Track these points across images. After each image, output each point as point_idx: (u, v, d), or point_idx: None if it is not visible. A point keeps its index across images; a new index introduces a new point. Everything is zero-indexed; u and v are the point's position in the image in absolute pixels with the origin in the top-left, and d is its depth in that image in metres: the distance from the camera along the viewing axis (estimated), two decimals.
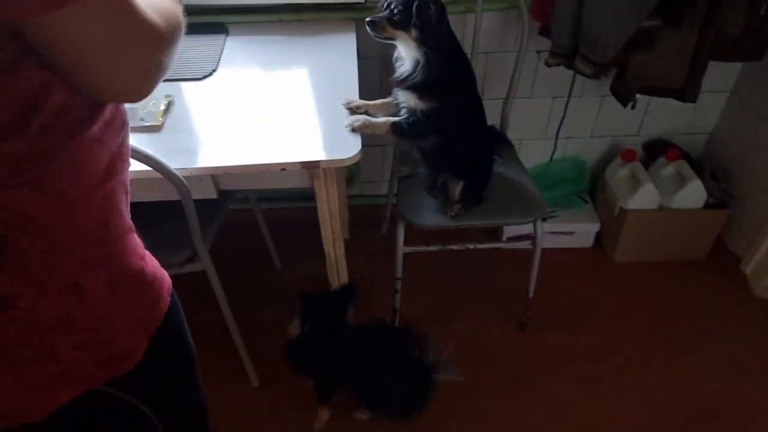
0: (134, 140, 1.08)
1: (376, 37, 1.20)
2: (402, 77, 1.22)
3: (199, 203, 1.15)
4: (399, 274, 1.54)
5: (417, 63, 1.19)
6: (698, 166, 1.84)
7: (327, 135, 1.14)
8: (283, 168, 1.06)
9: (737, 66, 1.78)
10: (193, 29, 1.62)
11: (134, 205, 1.12)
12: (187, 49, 1.45)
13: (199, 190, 1.14)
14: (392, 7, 1.16)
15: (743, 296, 1.81)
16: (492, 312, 1.79)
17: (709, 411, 1.52)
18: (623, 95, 1.60)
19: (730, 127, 1.88)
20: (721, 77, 1.80)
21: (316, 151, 1.08)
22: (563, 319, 1.76)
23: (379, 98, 1.30)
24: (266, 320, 1.78)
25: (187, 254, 1.27)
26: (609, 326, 1.74)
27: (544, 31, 1.60)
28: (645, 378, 1.60)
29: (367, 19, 1.18)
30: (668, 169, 1.83)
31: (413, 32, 1.15)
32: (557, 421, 1.50)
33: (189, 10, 1.61)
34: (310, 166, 1.07)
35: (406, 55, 1.21)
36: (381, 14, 1.18)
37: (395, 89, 1.26)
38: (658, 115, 1.91)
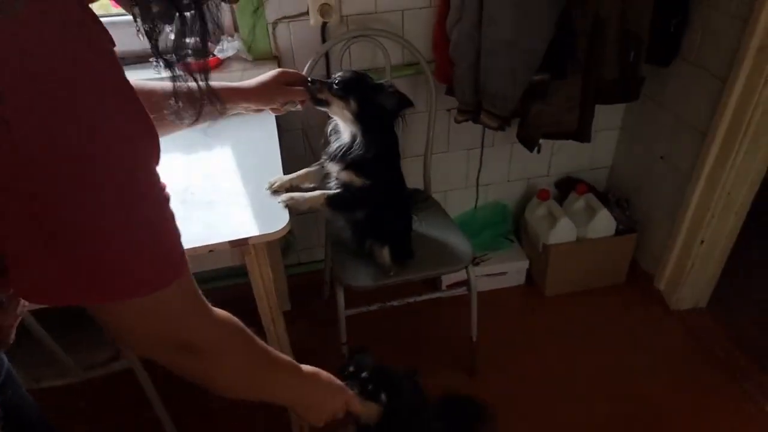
0: None
1: (310, 97, 1.18)
2: (338, 152, 1.25)
3: None
4: (344, 338, 1.54)
5: (354, 138, 1.23)
6: (604, 197, 2.01)
7: (254, 211, 1.16)
8: (211, 250, 1.06)
9: (622, 105, 2.00)
10: None
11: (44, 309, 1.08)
12: None
13: None
14: (335, 78, 1.21)
15: (660, 310, 1.95)
16: (439, 361, 1.82)
17: (653, 420, 1.60)
18: (528, 141, 1.74)
19: (624, 160, 2.08)
20: (610, 116, 2.02)
21: (244, 228, 1.09)
22: (507, 359, 1.81)
23: (305, 167, 1.35)
24: (210, 411, 1.69)
25: (110, 352, 1.21)
26: (550, 359, 1.81)
27: (450, 91, 1.74)
28: (592, 402, 1.66)
29: (309, 79, 1.18)
30: (579, 203, 1.99)
31: (352, 103, 1.20)
32: None
33: None
34: (240, 244, 1.08)
35: (343, 129, 1.26)
36: (323, 81, 1.21)
37: (329, 162, 1.28)
38: (563, 155, 2.09)
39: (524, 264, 2.06)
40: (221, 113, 1.08)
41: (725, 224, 1.72)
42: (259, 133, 1.45)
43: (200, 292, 0.57)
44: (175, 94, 0.62)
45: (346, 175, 1.26)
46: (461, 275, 1.55)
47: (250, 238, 1.07)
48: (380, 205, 1.35)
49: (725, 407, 1.63)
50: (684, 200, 1.76)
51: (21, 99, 0.40)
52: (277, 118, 1.53)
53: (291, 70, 1.15)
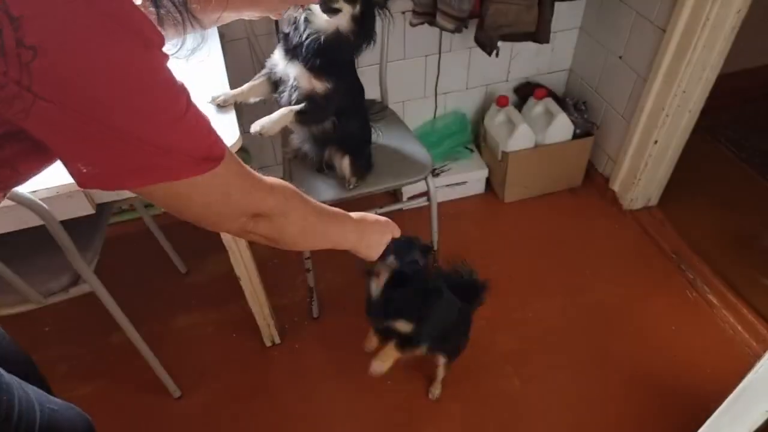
0: None
1: (333, 16, 1.10)
2: (303, 48, 1.15)
3: (75, 221, 1.08)
4: (307, 253, 1.55)
5: (339, 32, 1.13)
6: (563, 102, 2.00)
7: None
8: None
9: (582, 4, 1.94)
10: None
11: (3, 236, 1.04)
12: None
13: (73, 208, 1.06)
14: None
15: (615, 211, 2.03)
16: None
17: (603, 312, 1.72)
18: (486, 44, 1.69)
19: (583, 62, 2.06)
20: (569, 17, 1.96)
21: None
22: (469, 264, 1.87)
23: (251, 78, 1.27)
24: (180, 327, 1.72)
25: (69, 278, 1.19)
26: (509, 261, 1.88)
27: None
28: (550, 298, 1.76)
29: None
30: (538, 108, 1.98)
31: (358, 7, 1.12)
32: (480, 350, 1.61)
33: None
34: None
35: (324, 26, 1.13)
36: None
37: (288, 62, 1.19)
38: (522, 60, 2.05)
39: (484, 173, 2.08)
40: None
41: (679, 123, 1.75)
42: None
43: (250, 168, 0.65)
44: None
45: (306, 81, 1.19)
46: (423, 187, 1.55)
47: None
48: (343, 111, 1.31)
49: (672, 295, 1.75)
50: (640, 100, 1.77)
51: (42, 24, 0.44)
52: (219, 27, 1.42)
53: None
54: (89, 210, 1.07)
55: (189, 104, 0.56)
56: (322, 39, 1.14)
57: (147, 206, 1.72)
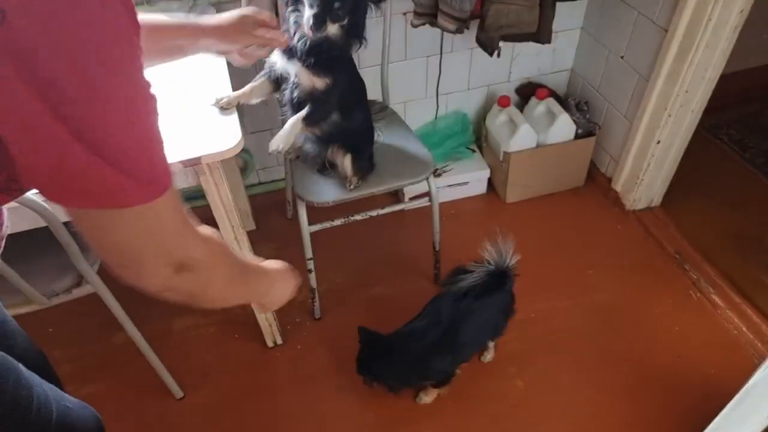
0: None
1: (319, 35, 1.13)
2: (300, 48, 1.16)
3: None
4: (309, 254, 1.55)
5: (328, 39, 1.15)
6: (565, 102, 2.00)
7: (204, 129, 1.10)
8: None
9: (583, 4, 1.94)
10: None
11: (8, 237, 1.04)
12: None
13: None
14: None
15: (618, 211, 2.03)
16: (406, 271, 1.86)
17: (607, 312, 1.71)
18: (487, 45, 1.68)
19: (585, 62, 2.05)
20: (571, 17, 1.96)
21: (195, 147, 1.04)
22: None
23: (253, 77, 1.27)
24: (182, 328, 1.72)
25: (73, 279, 1.19)
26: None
27: None
28: (553, 298, 1.76)
29: (311, 24, 1.09)
30: (539, 108, 1.98)
31: (347, 19, 1.14)
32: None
33: None
34: (193, 164, 1.03)
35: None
36: (317, 9, 1.09)
37: (287, 61, 1.20)
38: (523, 60, 2.04)
39: (485, 173, 2.07)
40: (181, 51, 1.01)
41: (682, 123, 1.74)
42: None
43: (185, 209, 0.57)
44: None
45: (307, 78, 1.20)
46: (423, 187, 1.55)
47: (203, 156, 1.02)
48: (346, 105, 1.31)
49: (676, 295, 1.75)
50: (643, 100, 1.76)
51: None
52: None
53: (257, 15, 1.06)
54: None
55: (154, 112, 0.50)
56: (312, 42, 1.15)
57: None
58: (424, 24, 1.65)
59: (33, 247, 1.18)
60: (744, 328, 1.63)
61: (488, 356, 1.59)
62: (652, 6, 1.66)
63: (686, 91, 1.65)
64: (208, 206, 1.19)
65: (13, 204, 0.93)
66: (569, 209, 2.06)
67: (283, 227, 2.02)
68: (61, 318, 1.70)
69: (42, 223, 1.02)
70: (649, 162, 1.84)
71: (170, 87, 1.22)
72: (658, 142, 1.78)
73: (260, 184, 2.10)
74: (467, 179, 2.06)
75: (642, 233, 1.95)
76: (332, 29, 1.14)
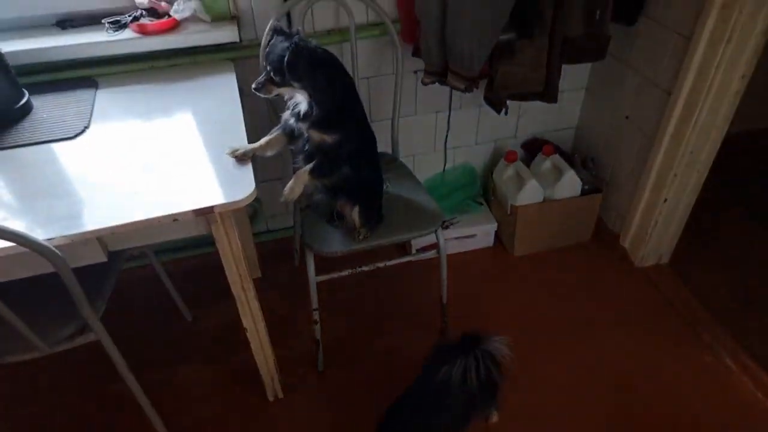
0: None
1: (266, 97, 1.23)
2: (301, 115, 1.24)
3: (88, 267, 1.08)
4: (315, 304, 1.53)
5: (311, 103, 1.22)
6: (570, 158, 2.03)
7: (218, 178, 1.12)
8: (175, 219, 1.03)
9: (587, 66, 2.00)
10: (59, 86, 1.54)
11: (13, 282, 1.04)
12: (54, 108, 1.36)
13: (86, 256, 1.07)
14: (268, 68, 1.20)
15: (625, 267, 2.01)
16: (411, 324, 1.84)
17: (614, 373, 1.66)
18: (495, 103, 1.73)
19: (590, 120, 2.10)
20: (576, 77, 2.02)
21: (208, 197, 1.06)
22: (478, 320, 1.85)
23: (269, 129, 1.31)
24: (182, 377, 1.69)
25: (76, 326, 1.18)
26: (519, 317, 1.85)
27: (416, 52, 1.70)
28: (559, 356, 1.72)
29: (253, 86, 1.22)
30: (546, 164, 2.01)
31: (295, 84, 1.19)
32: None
33: (51, 67, 1.53)
34: (205, 213, 1.04)
35: (299, 97, 1.24)
36: (262, 78, 1.21)
37: (297, 122, 1.27)
38: (530, 117, 2.09)
39: (493, 226, 2.08)
40: None
41: (688, 182, 1.76)
42: (220, 97, 1.41)
43: None
44: None
45: (316, 135, 1.25)
46: (431, 239, 1.55)
47: (216, 206, 1.04)
48: (355, 159, 1.34)
49: (686, 357, 1.71)
50: (648, 159, 1.79)
51: None
52: (238, 80, 1.48)
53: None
54: (102, 258, 1.08)
55: None
56: (306, 106, 1.22)
57: (157, 253, 1.72)
58: (434, 82, 1.70)
59: (36, 291, 1.18)
60: (759, 395, 1.58)
61: (493, 418, 1.54)
62: (655, 70, 1.71)
63: (691, 152, 1.68)
64: (214, 253, 1.19)
65: (22, 249, 0.94)
66: (576, 264, 2.05)
67: (288, 275, 2.02)
68: (57, 363, 1.67)
69: (49, 269, 1.03)
70: (656, 219, 1.84)
71: (186, 134, 1.25)
72: (665, 200, 1.79)
73: (268, 231, 2.11)
74: (475, 232, 2.07)
75: (651, 291, 1.93)
76: (300, 94, 1.21)
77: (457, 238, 2.04)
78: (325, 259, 1.45)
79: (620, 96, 1.90)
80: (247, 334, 1.36)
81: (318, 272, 1.48)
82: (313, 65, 1.18)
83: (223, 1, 1.54)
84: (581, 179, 1.95)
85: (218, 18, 1.55)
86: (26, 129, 1.29)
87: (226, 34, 1.53)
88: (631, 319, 1.84)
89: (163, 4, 1.52)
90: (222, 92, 1.43)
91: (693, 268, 1.97)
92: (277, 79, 1.19)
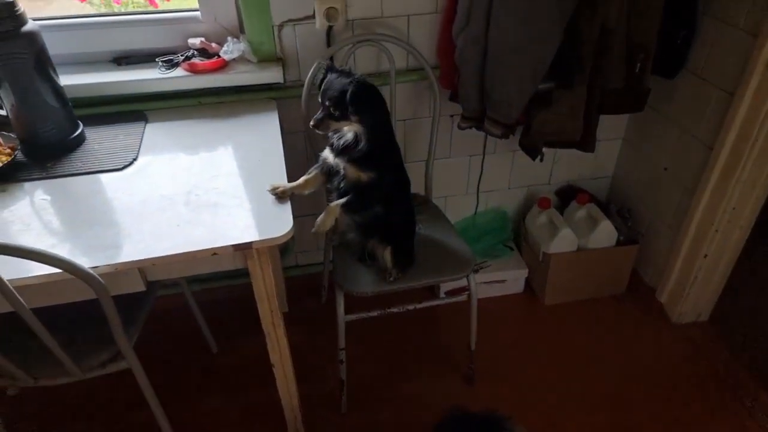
0: (42, 240, 1.04)
1: (322, 133, 1.27)
2: (342, 147, 1.27)
3: (124, 295, 1.11)
4: (342, 344, 1.52)
5: (357, 136, 1.24)
6: (606, 207, 2.00)
7: (257, 214, 1.14)
8: (215, 253, 1.05)
9: (626, 115, 1.99)
10: (109, 119, 1.61)
11: (50, 307, 1.07)
12: (105, 140, 1.43)
13: (125, 285, 1.10)
14: (327, 103, 1.23)
15: (662, 323, 1.94)
16: (437, 369, 1.80)
17: (644, 430, 1.59)
18: (531, 149, 1.73)
19: (627, 170, 2.08)
20: (613, 126, 2.01)
21: (247, 232, 1.08)
22: (506, 368, 1.80)
23: (308, 168, 1.35)
24: (205, 411, 1.68)
25: (109, 353, 1.20)
26: (547, 371, 1.80)
27: (454, 98, 1.73)
28: (589, 416, 1.65)
29: (312, 123, 1.26)
30: (580, 213, 1.98)
31: (353, 118, 1.22)
32: None
33: (103, 101, 1.61)
34: (243, 248, 1.06)
35: (348, 132, 1.26)
36: (320, 114, 1.25)
37: (335, 157, 1.30)
38: (564, 164, 2.09)
39: (523, 272, 2.05)
40: None
41: (729, 238, 1.71)
42: (263, 134, 1.45)
43: None
44: None
45: (353, 171, 1.27)
46: (460, 282, 1.54)
47: (254, 242, 1.06)
48: (389, 201, 1.36)
49: (727, 423, 1.62)
50: (688, 213, 1.75)
51: None
52: (280, 119, 1.53)
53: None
54: (141, 287, 1.11)
55: None
56: (351, 139, 1.25)
57: (190, 283, 1.75)
58: (470, 127, 1.72)
59: (73, 317, 1.21)
60: None
61: None
62: (696, 124, 1.69)
63: (734, 208, 1.64)
64: (243, 285, 1.20)
65: (67, 276, 0.97)
66: (610, 317, 1.99)
67: (315, 312, 2.02)
68: (82, 389, 1.69)
69: (91, 296, 1.05)
70: (695, 275, 1.79)
71: (228, 170, 1.29)
72: (705, 255, 1.74)
73: (297, 266, 2.13)
74: (505, 277, 2.04)
75: (689, 349, 1.85)
76: (352, 127, 1.24)
77: (486, 282, 2.02)
78: (353, 298, 1.45)
79: (659, 147, 1.88)
80: (274, 370, 1.35)
81: (346, 311, 1.48)
82: (375, 100, 1.22)
83: (270, 45, 1.61)
84: (617, 229, 1.92)
85: (264, 59, 1.62)
86: (79, 159, 1.35)
87: (271, 74, 1.58)
88: (667, 380, 1.76)
89: (213, 45, 1.59)
90: (264, 130, 1.47)
91: (734, 328, 1.88)
92: (336, 114, 1.22)
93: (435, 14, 1.66)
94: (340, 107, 1.21)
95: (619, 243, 1.94)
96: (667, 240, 1.88)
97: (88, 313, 1.13)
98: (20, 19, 1.23)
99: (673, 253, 1.84)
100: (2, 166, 1.25)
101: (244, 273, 1.17)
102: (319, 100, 1.26)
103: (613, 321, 1.97)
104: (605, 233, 1.90)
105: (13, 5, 1.21)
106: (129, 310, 1.23)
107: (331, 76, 1.25)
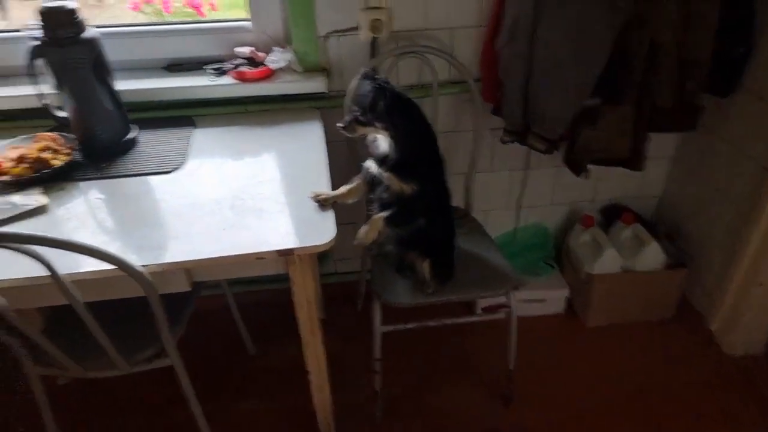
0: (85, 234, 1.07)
1: (350, 136, 1.28)
2: (381, 157, 1.28)
3: (169, 294, 1.13)
4: (378, 354, 1.51)
5: (392, 145, 1.25)
6: (653, 228, 1.94)
7: (300, 221, 1.15)
8: (259, 257, 1.06)
9: (675, 134, 1.93)
10: (160, 123, 1.67)
11: (99, 302, 1.10)
12: (156, 144, 1.47)
13: (171, 284, 1.12)
14: (354, 107, 1.26)
15: (713, 354, 1.85)
16: (473, 387, 1.76)
17: None
18: (575, 166, 1.70)
19: (677, 190, 2.00)
20: (662, 144, 1.95)
21: (290, 238, 1.09)
22: (544, 390, 1.75)
23: (350, 177, 1.35)
24: (239, 412, 1.69)
25: (154, 350, 1.23)
26: (589, 396, 1.73)
27: (496, 111, 1.71)
28: None
29: (339, 125, 1.28)
30: (626, 233, 1.92)
31: (378, 124, 1.23)
32: None
33: (154, 106, 1.66)
34: (287, 254, 1.07)
35: (381, 139, 1.28)
36: (349, 117, 1.27)
37: (377, 167, 1.30)
38: (610, 181, 2.03)
39: (564, 292, 1.99)
40: None
41: None
42: (306, 143, 1.47)
43: None
44: None
45: (395, 183, 1.27)
46: (498, 298, 1.50)
47: (297, 248, 1.07)
48: (430, 212, 1.35)
49: None
50: (743, 238, 1.67)
51: None
52: (324, 129, 1.54)
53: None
54: (186, 287, 1.13)
55: None
56: (386, 147, 1.25)
57: (231, 284, 1.77)
58: (513, 142, 1.70)
59: (117, 313, 1.24)
60: None
61: None
62: (752, 144, 1.62)
63: None
64: (285, 289, 1.21)
65: (118, 273, 1.00)
66: (655, 342, 1.91)
67: (351, 320, 2.01)
68: (132, 384, 1.73)
69: (139, 293, 1.08)
70: (750, 304, 1.70)
71: (273, 176, 1.31)
72: (761, 284, 1.65)
73: (335, 274, 2.13)
74: (544, 296, 1.99)
75: (742, 384, 1.74)
76: (383, 135, 1.25)
77: (525, 300, 1.97)
78: (390, 308, 1.44)
79: (711, 167, 1.81)
80: (310, 378, 1.35)
81: (383, 321, 1.47)
82: (394, 107, 1.22)
83: (315, 55, 1.64)
84: (665, 251, 1.85)
85: (309, 69, 1.65)
86: (130, 161, 1.40)
87: (316, 84, 1.61)
88: (716, 414, 1.66)
89: (260, 54, 1.63)
90: (308, 138, 1.49)
91: None
92: (362, 119, 1.24)
93: (479, 28, 1.65)
94: (365, 112, 1.23)
95: (666, 266, 1.86)
96: (719, 265, 1.80)
97: (134, 309, 1.16)
98: (80, 26, 1.29)
99: (726, 279, 1.75)
100: (62, 166, 1.31)
101: (283, 278, 1.18)
102: (349, 103, 1.28)
103: (659, 347, 1.89)
104: (652, 255, 1.84)
105: (73, 13, 1.27)
106: (173, 309, 1.26)
107: (364, 83, 1.26)
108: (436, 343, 1.91)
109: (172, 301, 1.18)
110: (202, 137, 1.51)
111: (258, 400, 1.73)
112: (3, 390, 1.70)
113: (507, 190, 2.02)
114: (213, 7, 1.92)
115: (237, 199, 1.22)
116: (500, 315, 1.57)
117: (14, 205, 1.19)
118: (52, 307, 1.29)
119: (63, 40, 1.27)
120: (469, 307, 2.00)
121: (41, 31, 1.26)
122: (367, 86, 1.24)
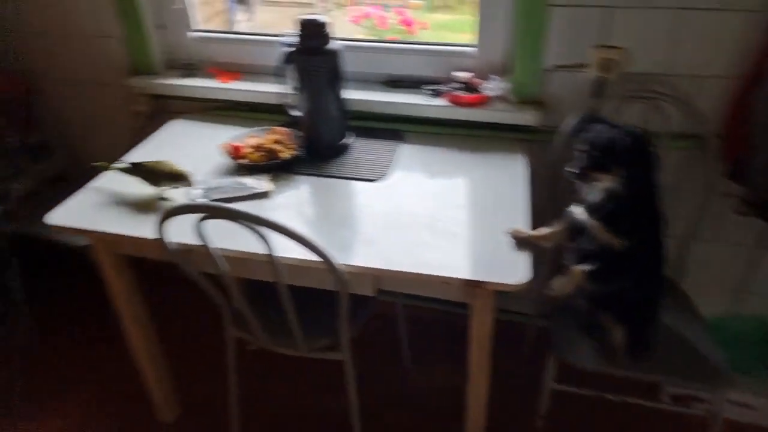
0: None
1: (581, 182, 1.18)
2: (593, 204, 1.17)
3: (353, 294, 1.18)
4: (544, 411, 1.39)
5: (610, 193, 1.13)
6: None
7: (490, 253, 1.11)
8: (445, 282, 1.05)
9: None
10: (372, 133, 1.77)
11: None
12: (366, 152, 1.56)
13: (358, 286, 1.17)
14: (594, 152, 1.14)
15: None
16: None
17: None
18: None
19: None
20: None
21: (480, 270, 1.05)
22: None
23: (546, 218, 1.26)
24: (387, 422, 1.70)
25: (330, 341, 1.29)
26: None
27: (734, 176, 1.46)
28: None
29: (571, 169, 1.17)
30: None
31: (617, 170, 1.11)
32: None
33: (369, 116, 1.76)
34: (474, 285, 1.04)
35: (603, 185, 1.15)
36: (584, 161, 1.15)
37: (585, 214, 1.19)
38: None
39: None
40: None
41: None
42: (509, 175, 1.42)
43: None
44: None
45: (605, 235, 1.14)
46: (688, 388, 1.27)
47: (486, 282, 1.03)
48: (638, 275, 1.20)
49: None
50: None
51: None
52: (529, 163, 1.48)
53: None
54: (370, 292, 1.17)
55: None
56: (600, 197, 1.12)
57: (406, 295, 1.80)
58: (750, 215, 1.44)
59: (305, 300, 1.33)
60: None
61: None
62: None
63: None
64: (455, 314, 1.18)
65: (319, 265, 1.06)
66: None
67: (513, 363, 1.89)
68: (301, 365, 1.84)
69: (329, 287, 1.14)
70: None
71: (470, 203, 1.29)
72: None
73: (504, 311, 2.04)
74: (755, 402, 1.64)
75: None
76: (602, 178, 1.11)
77: (728, 401, 1.64)
78: (563, 365, 1.31)
79: None
80: (467, 414, 1.30)
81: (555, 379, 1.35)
82: (648, 157, 1.11)
83: (533, 87, 1.58)
84: None
85: (525, 101, 1.60)
86: (342, 164, 1.51)
87: (528, 117, 1.56)
88: None
89: (477, 80, 1.64)
90: (511, 171, 1.44)
91: None
92: (598, 164, 1.13)
93: (728, 79, 1.43)
94: (605, 157, 1.11)
95: None
96: None
97: (318, 299, 1.23)
98: (327, 38, 1.43)
99: None
100: (288, 158, 1.46)
101: (456, 303, 1.15)
102: (580, 147, 1.17)
103: None
104: None
105: (325, 26, 1.42)
106: (354, 309, 1.31)
107: (597, 126, 1.16)
108: (606, 419, 1.69)
109: (353, 301, 1.23)
110: (407, 152, 1.56)
111: (409, 416, 1.71)
112: (200, 346, 1.96)
113: (728, 268, 1.71)
114: (424, 26, 1.99)
115: (433, 219, 1.23)
116: (695, 411, 1.33)
117: (246, 186, 1.36)
118: (250, 284, 1.43)
119: (312, 49, 1.42)
120: (650, 389, 1.74)
121: (296, 38, 1.43)
122: (605, 128, 1.14)
